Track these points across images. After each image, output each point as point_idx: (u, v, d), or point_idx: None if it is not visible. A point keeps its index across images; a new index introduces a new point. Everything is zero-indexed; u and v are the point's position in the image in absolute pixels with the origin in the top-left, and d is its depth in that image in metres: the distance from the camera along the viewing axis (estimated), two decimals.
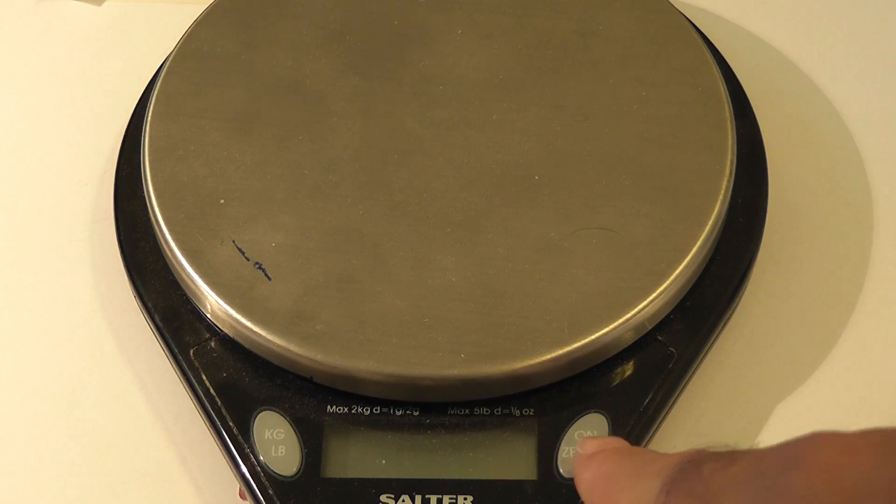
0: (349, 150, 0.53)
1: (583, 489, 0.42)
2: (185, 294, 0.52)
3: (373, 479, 0.48)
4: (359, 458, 0.48)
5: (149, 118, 0.55)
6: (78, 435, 0.52)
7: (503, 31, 0.57)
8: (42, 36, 0.65)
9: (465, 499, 0.47)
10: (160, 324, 0.52)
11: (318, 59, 0.56)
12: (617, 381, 0.50)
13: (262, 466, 0.48)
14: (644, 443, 0.49)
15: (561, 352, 0.48)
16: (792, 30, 0.64)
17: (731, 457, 0.36)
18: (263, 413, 0.49)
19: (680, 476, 0.37)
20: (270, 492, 0.47)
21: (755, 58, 0.63)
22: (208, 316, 0.51)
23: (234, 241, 0.51)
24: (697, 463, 0.36)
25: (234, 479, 0.49)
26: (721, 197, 0.52)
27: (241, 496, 0.50)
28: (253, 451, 0.48)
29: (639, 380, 0.50)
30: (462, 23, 0.57)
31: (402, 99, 0.55)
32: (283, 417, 0.49)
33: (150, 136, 0.54)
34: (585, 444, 0.43)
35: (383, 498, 0.47)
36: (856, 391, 0.53)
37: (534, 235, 0.51)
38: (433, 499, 0.47)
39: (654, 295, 0.49)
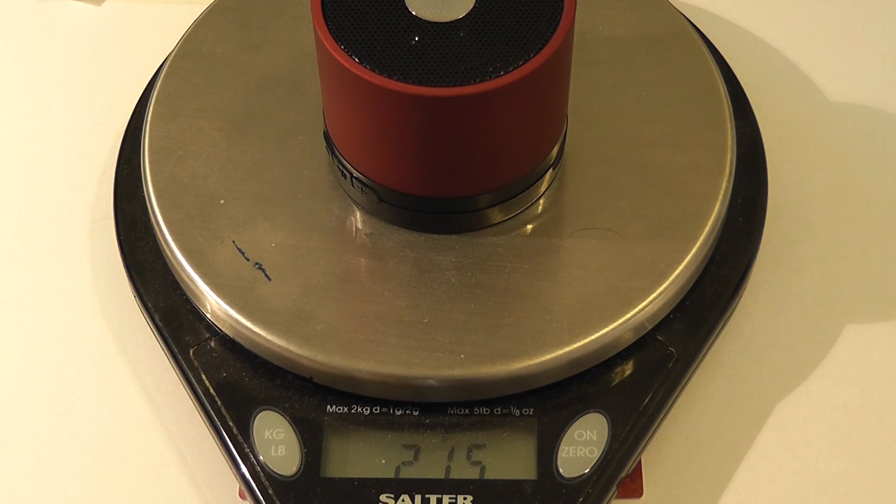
0: None
1: None
2: (184, 294, 0.52)
3: (372, 478, 0.48)
4: (358, 457, 0.48)
5: (148, 118, 0.55)
6: (78, 435, 0.52)
7: None
8: (42, 36, 0.65)
9: (465, 498, 0.47)
10: (160, 324, 0.52)
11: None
12: (617, 381, 0.50)
13: (261, 466, 0.48)
14: (644, 442, 0.49)
15: (561, 352, 0.48)
16: (791, 29, 0.64)
17: None
18: (263, 413, 0.49)
19: None
20: (270, 491, 0.47)
21: (755, 58, 0.63)
22: (208, 316, 0.51)
23: (233, 242, 0.51)
24: None
25: (234, 479, 0.49)
26: (721, 197, 0.52)
27: (241, 496, 0.50)
28: (253, 451, 0.48)
29: (638, 380, 0.50)
30: None
31: None
32: (282, 417, 0.49)
33: (150, 137, 0.54)
34: None
35: (383, 497, 0.47)
36: (855, 391, 0.53)
37: (534, 235, 0.51)
38: (433, 498, 0.47)
39: (653, 295, 0.49)
